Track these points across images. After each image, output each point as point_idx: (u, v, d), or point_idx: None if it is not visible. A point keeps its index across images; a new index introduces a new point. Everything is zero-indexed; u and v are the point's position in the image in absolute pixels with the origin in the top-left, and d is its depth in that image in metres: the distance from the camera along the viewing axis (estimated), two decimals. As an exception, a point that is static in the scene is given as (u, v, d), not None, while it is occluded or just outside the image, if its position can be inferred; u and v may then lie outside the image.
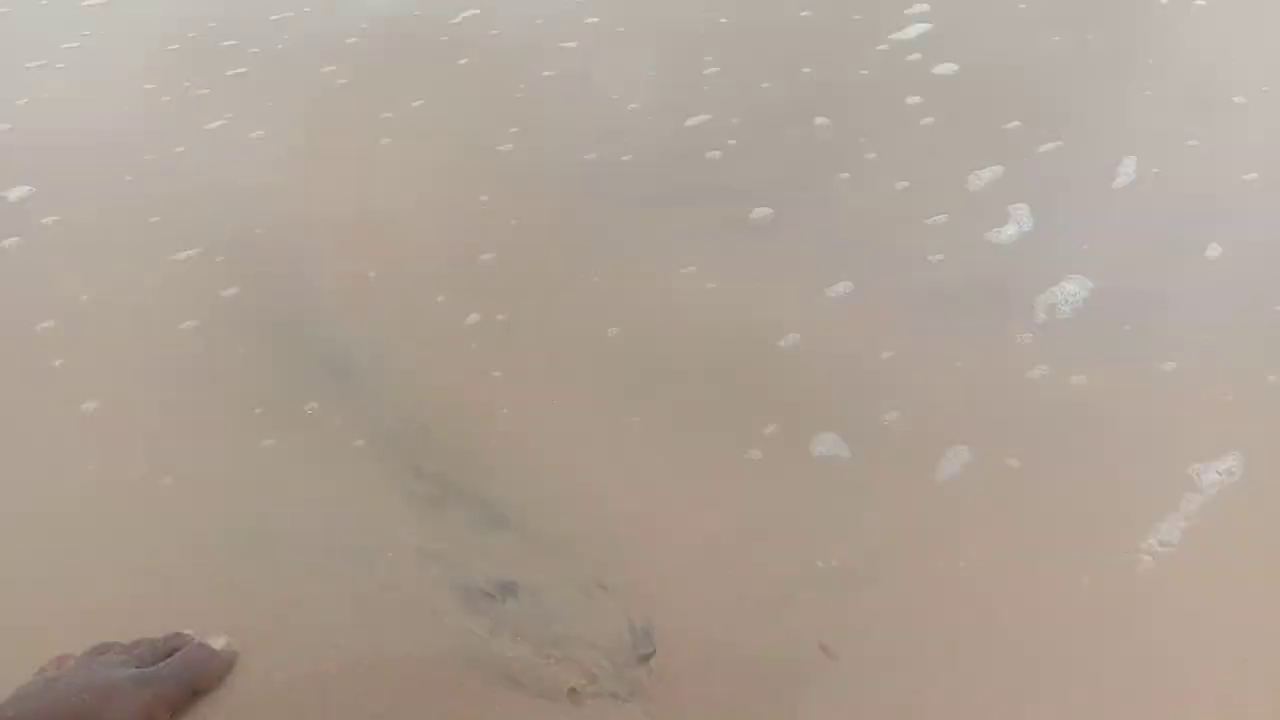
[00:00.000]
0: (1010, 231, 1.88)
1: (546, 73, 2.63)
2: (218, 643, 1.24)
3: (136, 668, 1.17)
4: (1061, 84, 2.39)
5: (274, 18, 3.05)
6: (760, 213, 2.01)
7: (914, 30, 2.66)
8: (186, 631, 1.25)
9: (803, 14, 2.83)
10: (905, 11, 2.75)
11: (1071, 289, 1.72)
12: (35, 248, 2.07)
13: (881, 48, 2.59)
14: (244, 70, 2.73)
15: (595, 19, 2.89)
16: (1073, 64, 2.49)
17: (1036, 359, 1.59)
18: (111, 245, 2.06)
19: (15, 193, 2.25)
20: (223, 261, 1.98)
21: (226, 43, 2.90)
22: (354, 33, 2.91)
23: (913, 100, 2.34)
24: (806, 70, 2.52)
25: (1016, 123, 2.21)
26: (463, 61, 2.72)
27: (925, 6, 2.77)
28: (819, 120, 2.30)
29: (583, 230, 2.03)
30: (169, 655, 1.20)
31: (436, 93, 2.56)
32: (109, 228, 2.11)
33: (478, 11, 3.00)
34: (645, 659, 1.20)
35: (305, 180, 2.24)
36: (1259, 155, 2.04)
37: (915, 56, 2.53)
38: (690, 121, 2.35)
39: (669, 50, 2.69)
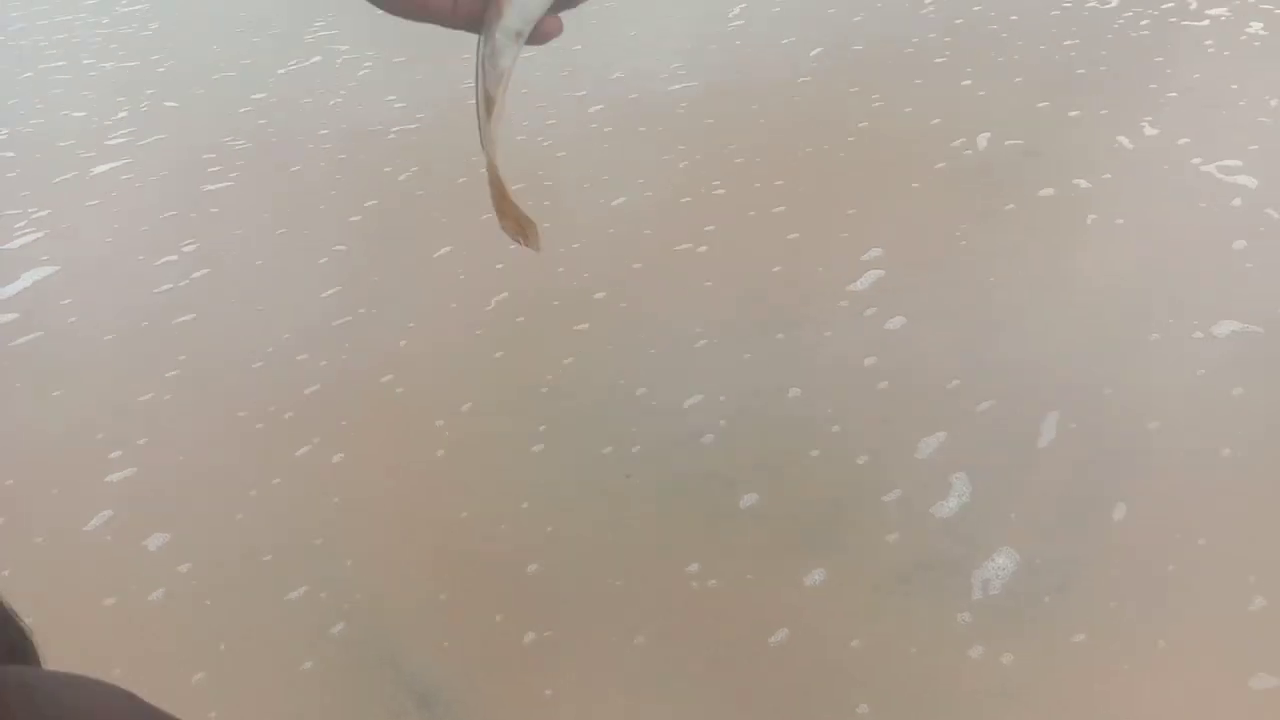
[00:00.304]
0: (952, 504, 2.29)
1: (566, 360, 3.13)
2: None
3: None
4: (997, 329, 2.81)
5: (335, 323, 3.63)
6: (748, 500, 2.45)
7: (869, 278, 3.12)
8: None
9: (775, 269, 3.31)
10: (861, 258, 3.22)
11: (1001, 562, 2.11)
12: (178, 598, 2.59)
13: (842, 304, 3.05)
14: (318, 387, 3.29)
15: (601, 293, 3.40)
16: (1006, 302, 2.92)
17: (975, 638, 1.98)
18: (236, 588, 2.57)
19: (154, 541, 2.79)
20: (326, 597, 2.48)
21: (300, 356, 3.48)
22: (403, 334, 3.46)
23: (869, 362, 2.78)
24: (780, 337, 2.98)
25: (957, 381, 2.64)
26: (498, 355, 3.24)
27: (879, 251, 3.23)
28: (792, 392, 2.75)
29: (605, 530, 2.48)
30: None
31: (480, 395, 3.07)
32: (232, 572, 2.63)
33: (506, 295, 3.54)
34: None
35: (381, 504, 2.74)
36: (1164, 398, 2.43)
37: (871, 311, 2.98)
38: (687, 403, 2.82)
39: (665, 324, 3.18)
